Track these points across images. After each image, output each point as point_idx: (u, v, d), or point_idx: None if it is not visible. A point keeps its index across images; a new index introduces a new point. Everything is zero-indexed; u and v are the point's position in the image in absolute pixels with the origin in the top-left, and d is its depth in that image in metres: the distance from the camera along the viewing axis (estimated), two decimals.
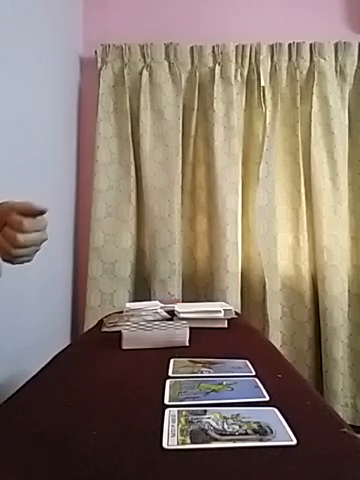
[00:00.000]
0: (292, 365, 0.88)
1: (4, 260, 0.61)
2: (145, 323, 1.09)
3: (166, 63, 2.01)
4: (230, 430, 0.51)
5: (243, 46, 1.98)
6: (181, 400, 0.62)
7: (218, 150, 1.92)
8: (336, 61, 1.99)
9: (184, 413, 0.57)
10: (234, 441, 0.49)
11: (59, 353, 0.96)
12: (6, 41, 1.28)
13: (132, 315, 1.26)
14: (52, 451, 0.48)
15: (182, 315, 1.21)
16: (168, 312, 1.33)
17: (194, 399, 0.62)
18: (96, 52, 2.02)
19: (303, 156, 1.97)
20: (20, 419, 0.58)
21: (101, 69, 2.00)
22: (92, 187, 1.96)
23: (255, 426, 0.52)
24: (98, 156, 1.96)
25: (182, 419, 0.55)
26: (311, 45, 1.99)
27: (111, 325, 1.18)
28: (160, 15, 2.11)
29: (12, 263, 0.62)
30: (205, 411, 0.57)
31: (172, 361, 0.84)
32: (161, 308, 1.37)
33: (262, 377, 0.72)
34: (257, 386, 0.68)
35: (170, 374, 0.76)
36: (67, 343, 1.38)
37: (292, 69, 2.00)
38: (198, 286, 1.99)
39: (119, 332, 1.00)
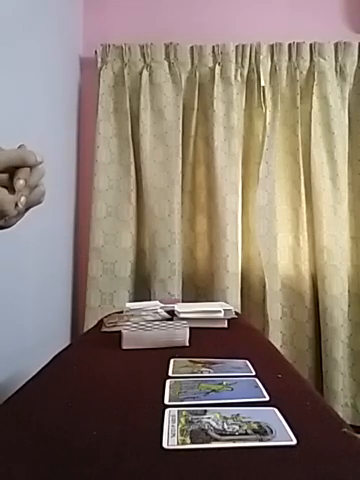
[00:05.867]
0: (292, 365, 0.88)
1: None
2: (145, 323, 1.09)
3: (166, 63, 2.01)
4: (230, 430, 0.51)
5: (243, 46, 1.98)
6: (181, 400, 0.62)
7: (218, 150, 1.92)
8: (336, 61, 1.99)
9: (184, 413, 0.57)
10: (234, 441, 0.49)
11: (59, 353, 0.96)
12: (6, 41, 1.28)
13: (132, 315, 1.27)
14: (52, 451, 0.48)
15: (182, 315, 1.21)
16: (168, 312, 1.33)
17: (194, 399, 0.62)
18: (96, 52, 2.01)
19: (303, 156, 1.97)
20: (20, 419, 0.58)
21: (101, 69, 2.00)
22: (92, 187, 1.96)
23: (255, 426, 0.52)
24: (98, 156, 1.96)
25: (182, 419, 0.55)
26: (311, 45, 1.99)
27: (111, 325, 1.18)
28: (160, 15, 2.11)
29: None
30: (205, 411, 0.57)
31: (172, 361, 0.84)
32: (161, 308, 1.37)
33: (262, 377, 0.72)
34: (257, 386, 0.68)
35: (170, 374, 0.76)
36: (67, 343, 1.38)
37: (292, 69, 2.00)
38: (198, 286, 1.99)
39: (119, 332, 1.00)
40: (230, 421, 0.54)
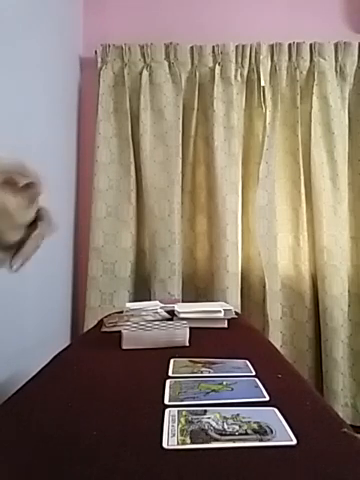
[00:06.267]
0: (292, 365, 0.88)
1: None
2: (145, 323, 1.09)
3: (166, 63, 2.01)
4: (230, 430, 0.51)
5: (243, 46, 1.98)
6: (181, 400, 0.62)
7: (218, 150, 1.92)
8: (336, 61, 1.99)
9: (184, 413, 0.57)
10: (234, 441, 0.49)
11: (59, 353, 0.96)
12: (6, 41, 1.28)
13: (132, 315, 1.27)
14: (52, 451, 0.48)
15: (182, 315, 1.21)
16: (168, 312, 1.33)
17: (194, 399, 0.62)
18: (96, 52, 2.01)
19: (303, 156, 1.97)
20: (20, 419, 0.58)
21: (101, 69, 2.00)
22: (92, 187, 1.96)
23: (255, 426, 0.52)
24: (98, 156, 1.96)
25: (182, 419, 0.55)
26: (311, 45, 1.99)
27: (111, 325, 1.18)
28: (160, 15, 2.11)
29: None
30: (205, 411, 0.57)
31: (172, 361, 0.84)
32: (161, 308, 1.37)
33: (262, 377, 0.72)
34: (257, 386, 0.68)
35: (170, 374, 0.76)
36: (67, 343, 1.38)
37: (292, 69, 2.00)
38: (198, 286, 1.99)
39: (119, 332, 1.00)
40: (230, 421, 0.54)
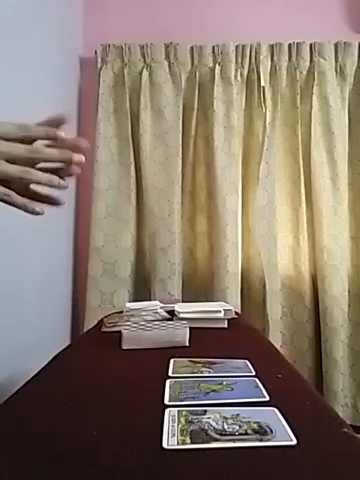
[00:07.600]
0: (292, 365, 0.88)
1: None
2: (145, 323, 1.09)
3: (166, 63, 2.01)
4: (230, 430, 0.51)
5: (243, 46, 1.98)
6: (181, 400, 0.62)
7: (218, 150, 1.92)
8: (336, 61, 1.99)
9: (184, 413, 0.57)
10: (234, 441, 0.49)
11: (59, 353, 0.96)
12: (6, 41, 1.28)
13: (132, 315, 1.26)
14: (52, 451, 0.48)
15: (182, 315, 1.21)
16: (168, 312, 1.33)
17: (194, 399, 0.62)
18: (96, 52, 2.01)
19: (303, 156, 1.97)
20: (20, 419, 0.58)
21: (101, 69, 2.00)
22: (92, 187, 1.96)
23: (255, 426, 0.52)
24: (98, 156, 1.96)
25: (182, 419, 0.55)
26: (311, 45, 1.99)
27: (111, 325, 1.18)
28: (160, 15, 2.11)
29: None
30: (205, 411, 0.57)
31: (172, 361, 0.84)
32: (161, 308, 1.37)
33: (262, 377, 0.72)
34: (257, 386, 0.68)
35: (170, 374, 0.76)
36: (67, 343, 1.38)
37: (292, 69, 2.00)
38: (198, 286, 1.99)
39: (119, 332, 1.00)
40: (230, 421, 0.54)
